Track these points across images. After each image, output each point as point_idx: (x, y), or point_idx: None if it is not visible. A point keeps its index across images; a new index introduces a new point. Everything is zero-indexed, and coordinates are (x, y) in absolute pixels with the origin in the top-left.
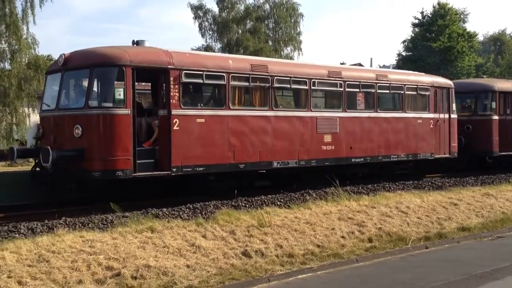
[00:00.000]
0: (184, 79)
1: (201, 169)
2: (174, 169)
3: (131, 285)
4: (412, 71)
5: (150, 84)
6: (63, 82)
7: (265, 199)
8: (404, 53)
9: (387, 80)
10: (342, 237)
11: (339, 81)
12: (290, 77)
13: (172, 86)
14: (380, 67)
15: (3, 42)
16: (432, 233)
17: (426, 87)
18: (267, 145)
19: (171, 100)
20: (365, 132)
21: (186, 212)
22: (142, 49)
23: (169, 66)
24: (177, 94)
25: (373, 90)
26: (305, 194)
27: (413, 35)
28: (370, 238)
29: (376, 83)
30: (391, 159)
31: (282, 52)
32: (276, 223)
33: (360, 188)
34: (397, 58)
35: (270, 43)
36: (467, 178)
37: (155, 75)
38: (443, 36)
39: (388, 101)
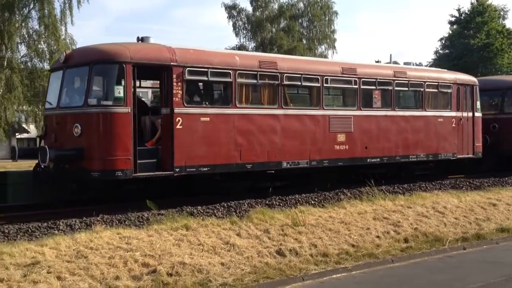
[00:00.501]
0: (188, 76)
1: (206, 169)
2: (177, 169)
3: (167, 282)
4: (433, 68)
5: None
6: (64, 80)
7: (299, 198)
8: (441, 51)
9: (406, 77)
10: (377, 237)
11: (353, 78)
12: (301, 74)
13: (175, 84)
14: (405, 63)
15: (42, 42)
16: (470, 234)
17: (448, 84)
18: (276, 144)
19: (174, 98)
20: (382, 131)
21: (220, 210)
22: (144, 45)
23: (171, 63)
24: (180, 92)
25: (390, 88)
26: (339, 194)
27: (450, 32)
28: (406, 238)
29: (394, 80)
30: (410, 159)
31: (316, 51)
32: (310, 222)
33: (395, 187)
34: (434, 57)
35: (304, 41)
36: (507, 178)
37: (159, 72)
38: (481, 33)
39: (406, 99)
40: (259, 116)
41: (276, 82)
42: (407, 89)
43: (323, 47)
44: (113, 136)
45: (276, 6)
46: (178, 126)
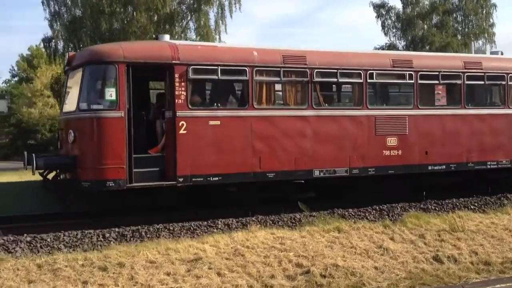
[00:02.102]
0: (193, 76)
1: (216, 178)
2: (181, 179)
3: (320, 283)
4: None
5: None
6: (67, 83)
7: (457, 203)
8: None
9: (481, 69)
10: None
11: (408, 72)
12: (337, 69)
13: (177, 84)
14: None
15: None
16: None
17: None
18: (305, 150)
19: (177, 100)
20: (448, 134)
21: (372, 213)
22: (142, 43)
23: (173, 61)
24: (183, 93)
25: (459, 82)
26: (502, 198)
27: None
28: None
29: (464, 72)
30: (489, 166)
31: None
32: (469, 228)
33: None
34: None
35: (459, 37)
36: None
37: (160, 72)
38: None
39: (482, 95)
40: (284, 118)
41: (305, 79)
42: (482, 82)
43: (480, 42)
44: (103, 143)
45: (427, 2)
46: (181, 131)
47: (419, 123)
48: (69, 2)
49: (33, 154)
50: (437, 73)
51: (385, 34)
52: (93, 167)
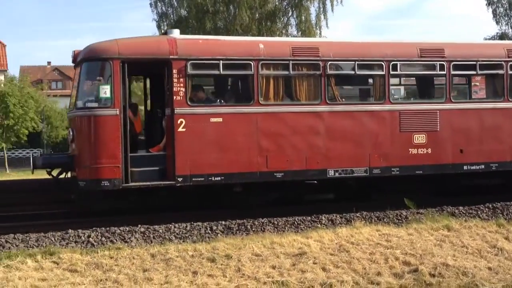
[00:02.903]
0: (192, 71)
1: (218, 178)
2: (180, 179)
3: (429, 282)
4: None
5: None
6: (73, 80)
7: None
8: None
9: None
10: None
11: (439, 62)
12: (355, 60)
13: (175, 80)
14: None
15: None
16: None
17: None
18: (318, 148)
19: (175, 97)
20: (487, 130)
21: (485, 211)
22: (140, 39)
23: (171, 56)
24: (182, 89)
25: (501, 71)
26: None
27: None
28: None
29: (507, 61)
30: None
31: None
32: None
33: None
34: None
35: None
36: None
37: (159, 68)
38: None
39: None
40: (293, 114)
41: (318, 72)
42: None
43: None
44: (98, 141)
45: None
46: (180, 129)
47: (452, 118)
48: (176, 3)
49: (32, 154)
50: (474, 62)
51: (497, 22)
52: (88, 166)
